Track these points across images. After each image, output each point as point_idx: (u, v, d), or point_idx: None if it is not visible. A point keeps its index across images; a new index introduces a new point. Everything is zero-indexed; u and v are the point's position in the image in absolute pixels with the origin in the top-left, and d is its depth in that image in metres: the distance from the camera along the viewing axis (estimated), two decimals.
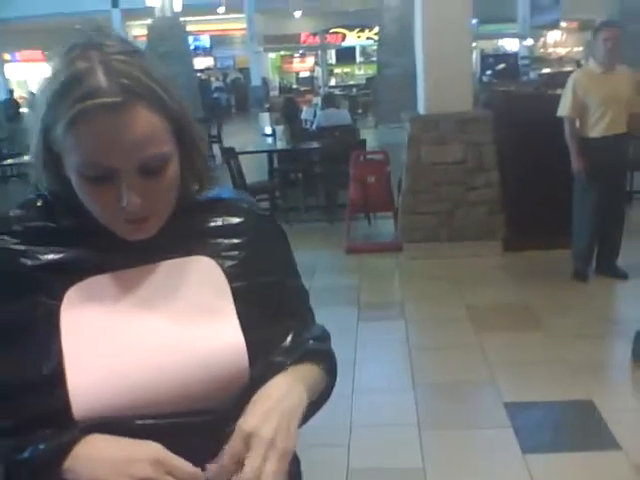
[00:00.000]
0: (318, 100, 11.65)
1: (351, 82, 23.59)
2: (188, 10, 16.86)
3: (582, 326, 3.90)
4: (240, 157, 6.75)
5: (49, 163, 0.88)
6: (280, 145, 7.56)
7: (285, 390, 0.89)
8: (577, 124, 4.37)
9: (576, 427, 2.94)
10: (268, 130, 8.21)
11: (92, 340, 0.86)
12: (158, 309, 0.90)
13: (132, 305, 0.90)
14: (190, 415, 0.86)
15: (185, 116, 0.90)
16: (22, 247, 0.90)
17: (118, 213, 0.85)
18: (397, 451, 2.85)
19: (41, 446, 0.81)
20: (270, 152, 7.68)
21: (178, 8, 16.16)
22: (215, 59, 26.93)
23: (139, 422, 0.84)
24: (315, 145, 7.38)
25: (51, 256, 0.90)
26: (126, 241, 0.90)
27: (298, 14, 24.93)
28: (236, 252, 0.97)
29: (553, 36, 21.04)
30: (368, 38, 24.28)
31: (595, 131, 4.30)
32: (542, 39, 20.34)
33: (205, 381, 0.87)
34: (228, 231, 0.98)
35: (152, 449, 0.81)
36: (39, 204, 0.95)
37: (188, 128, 0.91)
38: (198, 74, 20.49)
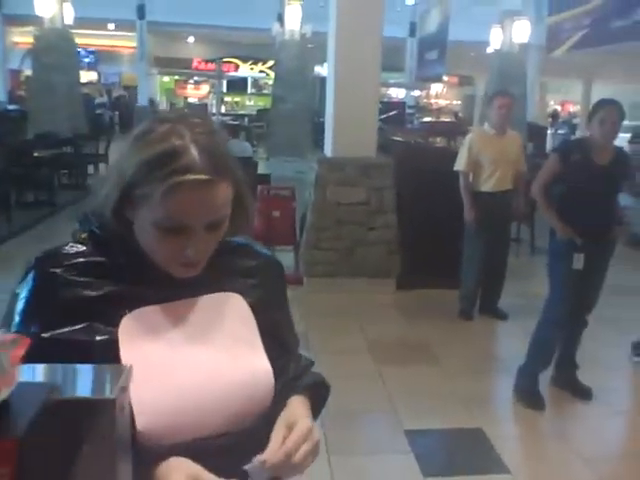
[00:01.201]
0: None
1: (242, 112, 23.83)
2: (78, 22, 16.38)
3: (470, 361, 4.29)
4: None
5: (119, 208, 1.03)
6: None
7: (304, 406, 1.12)
8: (470, 178, 4.84)
9: (469, 452, 3.26)
10: None
11: (148, 360, 0.99)
12: (202, 338, 1.06)
13: (180, 334, 1.05)
14: (227, 436, 1.02)
15: (243, 184, 1.09)
16: (81, 279, 1.02)
17: (178, 259, 1.03)
18: (307, 475, 3.01)
19: None
20: None
21: (69, 20, 15.68)
22: (99, 74, 26.19)
23: (189, 442, 0.99)
24: None
25: (107, 288, 1.03)
26: (171, 277, 1.05)
27: (191, 39, 24.92)
28: (254, 291, 1.15)
29: (435, 88, 22.54)
30: (261, 71, 24.72)
31: (486, 186, 4.79)
32: (426, 90, 21.71)
33: (243, 402, 1.04)
34: (247, 272, 1.17)
35: (190, 466, 0.95)
36: (93, 240, 1.07)
37: (245, 194, 1.10)
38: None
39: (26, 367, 0.66)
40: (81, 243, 1.07)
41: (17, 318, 1.01)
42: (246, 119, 20.13)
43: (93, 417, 0.62)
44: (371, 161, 5.49)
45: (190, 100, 26.02)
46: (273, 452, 1.00)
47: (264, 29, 16.17)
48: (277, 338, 1.15)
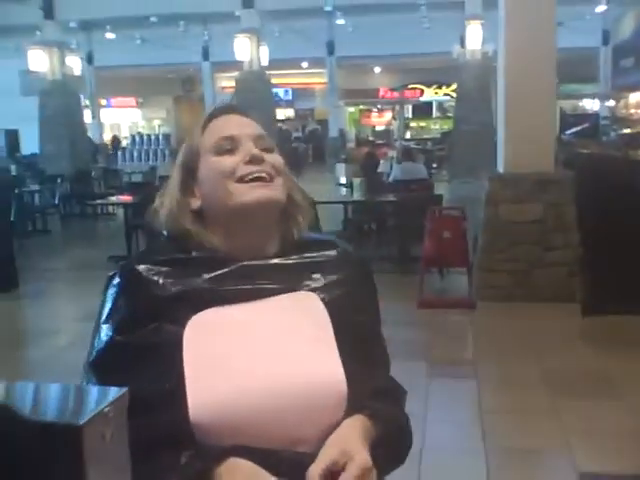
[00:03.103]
0: (394, 153, 11.80)
1: (426, 136, 23.78)
2: (274, 64, 17.57)
3: None
4: (317, 206, 6.88)
5: (184, 193, 1.09)
6: (356, 196, 7.68)
7: (365, 433, 0.98)
8: None
9: None
10: (343, 180, 8.38)
11: (211, 363, 0.97)
12: (271, 340, 1.00)
13: (248, 334, 1.01)
14: (297, 446, 0.95)
15: (296, 191, 1.13)
16: (154, 277, 1.03)
17: (245, 173, 1.04)
18: None
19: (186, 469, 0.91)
20: (345, 203, 7.82)
21: (265, 62, 16.88)
22: (295, 110, 27.77)
23: (256, 450, 0.92)
24: (391, 198, 7.46)
25: (177, 287, 1.02)
26: (244, 277, 1.03)
27: (377, 69, 25.50)
28: (334, 288, 1.07)
29: (635, 97, 20.66)
30: (445, 94, 24.52)
31: None
32: (623, 100, 20.01)
33: (310, 410, 0.96)
34: (327, 267, 1.10)
35: (250, 468, 0.90)
36: (166, 240, 1.11)
37: (289, 176, 1.11)
38: (279, 124, 21.16)
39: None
40: (161, 245, 1.12)
41: (103, 323, 1.04)
42: (429, 143, 20.02)
43: (56, 445, 0.57)
44: (547, 176, 5.10)
45: (377, 128, 26.55)
46: None
47: (446, 52, 16.06)
48: (358, 343, 1.04)
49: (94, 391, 0.68)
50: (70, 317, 6.05)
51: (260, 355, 0.98)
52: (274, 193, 1.04)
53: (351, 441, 0.94)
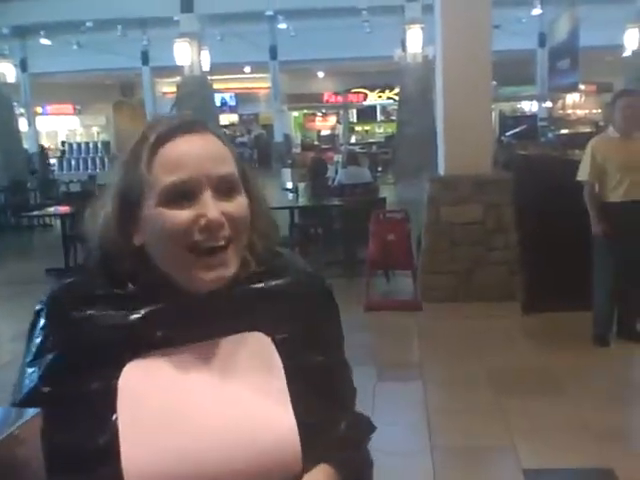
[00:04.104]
0: (339, 158, 11.86)
1: (371, 140, 23.99)
2: (216, 68, 17.41)
3: (605, 392, 3.84)
4: None
5: (123, 226, 0.92)
6: (302, 201, 7.68)
7: None
8: (596, 188, 4.41)
9: None
10: (289, 185, 8.37)
11: (148, 416, 0.87)
12: (215, 390, 0.90)
13: (190, 384, 0.90)
14: None
15: (248, 173, 0.97)
16: (84, 317, 0.91)
17: (199, 238, 0.88)
18: None
19: None
20: (292, 208, 7.80)
21: (206, 67, 16.72)
22: (239, 115, 27.61)
23: None
24: (336, 202, 7.49)
25: (110, 330, 0.91)
26: (187, 315, 0.91)
27: (321, 74, 25.60)
28: (287, 325, 0.96)
29: (571, 98, 21.36)
30: (389, 98, 24.79)
31: (614, 196, 4.33)
32: (560, 101, 20.65)
33: (257, 467, 0.87)
34: (279, 298, 0.97)
35: None
36: (97, 269, 0.96)
37: (253, 183, 0.97)
38: (224, 130, 21.00)
39: None
40: (95, 275, 0.97)
41: (28, 367, 0.93)
42: (374, 147, 20.20)
43: None
44: (486, 177, 5.20)
45: (322, 133, 26.64)
46: None
47: (388, 56, 16.23)
48: (316, 385, 0.94)
49: (7, 412, 0.65)
50: (4, 336, 5.82)
51: (202, 409, 0.88)
52: (229, 271, 0.91)
53: None
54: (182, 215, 0.88)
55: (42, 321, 0.94)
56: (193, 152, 0.90)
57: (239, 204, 0.91)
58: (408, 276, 5.89)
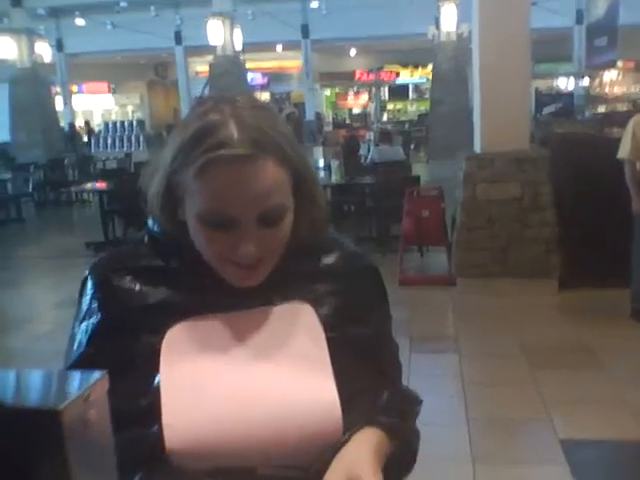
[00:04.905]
0: (371, 136, 11.83)
1: (403, 118, 23.81)
2: (248, 47, 17.43)
3: None
4: None
5: (168, 204, 0.92)
6: (335, 179, 7.71)
7: (377, 450, 0.91)
8: (638, 167, 4.37)
9: (634, 468, 2.91)
10: (321, 163, 8.39)
11: (190, 379, 0.89)
12: (256, 357, 0.91)
13: (232, 350, 0.91)
14: (282, 469, 0.88)
15: (306, 169, 0.94)
16: (131, 285, 0.95)
17: (231, 258, 0.89)
18: None
19: None
20: (325, 186, 7.84)
21: (239, 46, 16.75)
22: (271, 94, 27.60)
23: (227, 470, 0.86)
24: (369, 180, 7.51)
25: (157, 296, 0.94)
26: (230, 285, 0.92)
27: (353, 52, 25.40)
28: (332, 299, 0.96)
29: (609, 75, 20.88)
30: (421, 76, 24.53)
31: None
32: (598, 78, 20.20)
33: (297, 435, 0.87)
34: (326, 274, 0.98)
35: None
36: (147, 241, 0.99)
37: (308, 181, 0.94)
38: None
39: None
40: (139, 245, 0.99)
41: (77, 331, 0.96)
42: (407, 125, 20.07)
43: (35, 431, 0.55)
44: (523, 155, 5.17)
45: (354, 111, 26.49)
46: None
47: (422, 34, 16.04)
48: (362, 357, 0.95)
49: (74, 376, 0.66)
50: (48, 305, 6.02)
51: (243, 376, 0.89)
52: (257, 280, 0.91)
53: (361, 464, 0.86)
54: (217, 239, 0.88)
55: (89, 287, 0.97)
56: (242, 184, 0.85)
57: (280, 231, 0.90)
58: (442, 252, 5.92)
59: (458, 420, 3.37)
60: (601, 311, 4.79)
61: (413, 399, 1.04)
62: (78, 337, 0.95)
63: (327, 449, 0.87)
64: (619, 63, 17.61)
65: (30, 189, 11.07)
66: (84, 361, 0.93)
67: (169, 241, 0.96)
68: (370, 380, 0.95)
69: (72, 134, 17.73)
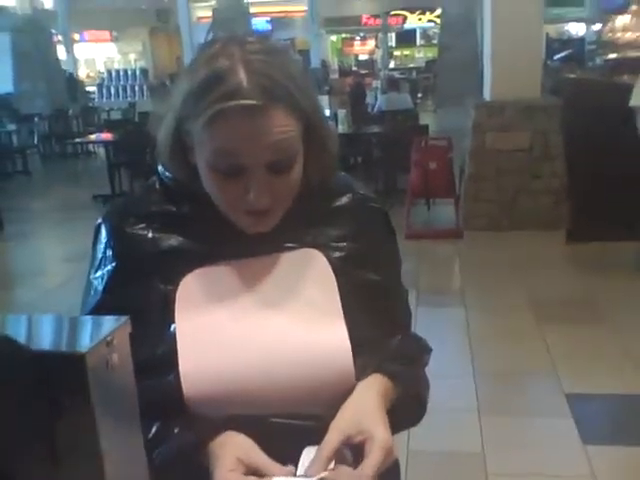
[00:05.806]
0: (378, 83, 11.62)
1: (411, 65, 23.37)
2: None
3: None
4: None
5: (177, 151, 0.92)
6: (342, 129, 7.60)
7: (383, 399, 0.91)
8: None
9: (638, 422, 2.92)
10: (327, 112, 8.27)
11: (206, 326, 0.90)
12: (269, 304, 0.92)
13: (244, 297, 0.92)
14: (296, 418, 0.88)
15: (317, 114, 0.92)
16: (144, 232, 0.94)
17: (242, 205, 0.89)
18: (457, 435, 2.88)
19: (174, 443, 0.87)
20: None
21: None
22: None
23: (247, 417, 0.87)
24: (376, 129, 7.39)
25: (170, 242, 0.94)
26: (242, 231, 0.92)
27: None
28: (343, 244, 0.96)
29: (622, 20, 20.32)
30: (429, 21, 23.97)
31: None
32: (610, 23, 19.67)
33: (310, 381, 0.88)
34: (337, 218, 0.98)
35: (242, 445, 0.85)
36: (158, 187, 0.98)
37: (318, 126, 0.92)
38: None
39: None
40: (151, 192, 0.99)
41: (93, 279, 0.96)
42: (414, 72, 19.70)
43: (60, 375, 0.56)
44: (534, 103, 5.06)
45: (360, 57, 26.02)
46: (339, 473, 0.82)
47: None
48: (370, 304, 0.94)
49: (97, 321, 0.66)
50: (57, 258, 6.04)
51: (257, 323, 0.90)
52: (269, 226, 0.92)
53: (368, 413, 0.86)
54: (227, 187, 0.88)
55: (103, 235, 0.96)
56: (252, 133, 0.84)
57: (290, 178, 0.89)
58: (449, 204, 5.87)
59: (465, 372, 3.38)
60: (609, 264, 4.75)
61: (422, 347, 1.05)
62: (94, 285, 0.95)
63: (339, 397, 0.88)
64: (633, 7, 17.09)
65: (35, 141, 10.96)
66: (101, 308, 0.93)
67: (180, 186, 0.95)
68: (380, 326, 0.95)
69: (74, 84, 17.46)
